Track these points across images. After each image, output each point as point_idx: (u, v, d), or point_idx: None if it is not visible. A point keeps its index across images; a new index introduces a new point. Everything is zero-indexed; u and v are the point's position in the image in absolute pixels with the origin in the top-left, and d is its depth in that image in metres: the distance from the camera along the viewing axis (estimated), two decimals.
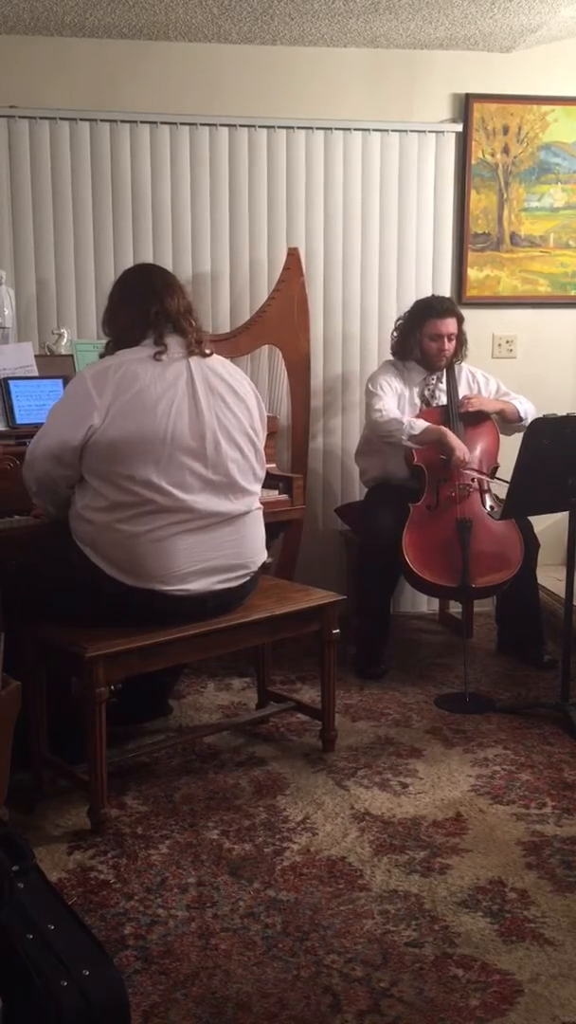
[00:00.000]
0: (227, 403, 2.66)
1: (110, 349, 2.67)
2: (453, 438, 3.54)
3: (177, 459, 2.55)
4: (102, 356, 2.68)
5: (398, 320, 3.88)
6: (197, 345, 2.65)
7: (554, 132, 4.30)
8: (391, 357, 3.90)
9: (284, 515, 3.36)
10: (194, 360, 2.63)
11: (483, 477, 3.58)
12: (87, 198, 3.97)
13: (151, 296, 2.63)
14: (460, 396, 3.74)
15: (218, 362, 2.72)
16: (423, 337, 3.74)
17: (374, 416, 3.66)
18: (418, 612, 4.44)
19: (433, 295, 3.94)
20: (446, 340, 3.72)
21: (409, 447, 3.59)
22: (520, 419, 3.76)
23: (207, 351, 2.68)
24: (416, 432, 3.57)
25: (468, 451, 3.56)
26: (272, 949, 2.06)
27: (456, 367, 3.82)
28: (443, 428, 3.58)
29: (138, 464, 2.51)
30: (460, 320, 3.78)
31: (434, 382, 3.82)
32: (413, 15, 3.73)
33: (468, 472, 3.55)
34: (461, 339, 3.79)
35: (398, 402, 3.74)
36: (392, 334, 3.90)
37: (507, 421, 3.77)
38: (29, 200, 3.93)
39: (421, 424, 3.59)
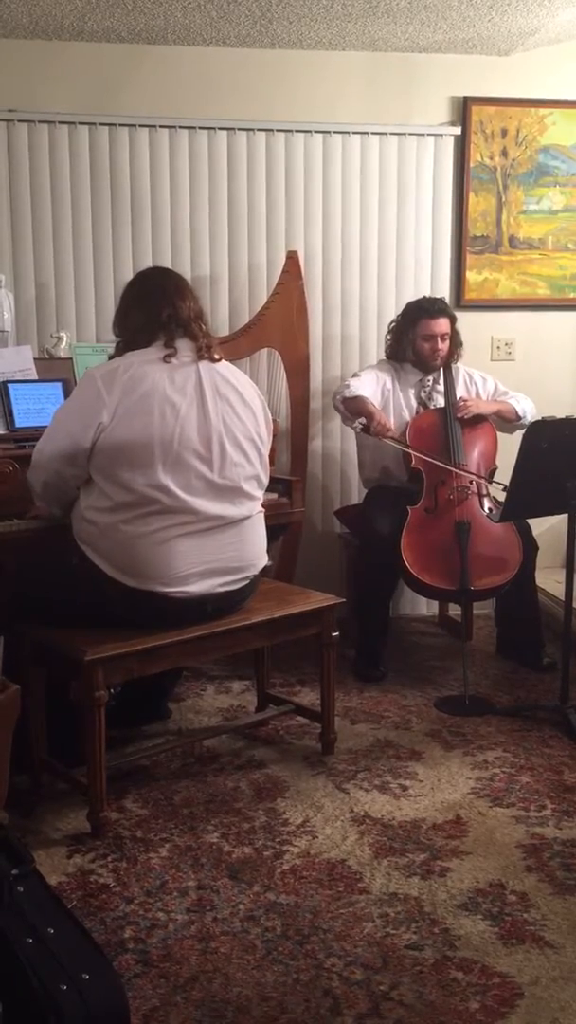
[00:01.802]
0: (234, 408, 2.67)
1: (120, 350, 2.68)
2: (372, 407, 3.60)
3: (184, 461, 2.56)
4: (111, 357, 2.69)
5: (391, 323, 3.90)
6: (207, 350, 2.65)
7: (552, 135, 4.30)
8: (382, 357, 3.92)
9: (283, 518, 3.35)
10: (203, 364, 2.64)
11: (454, 469, 3.55)
12: (86, 201, 3.98)
13: (163, 299, 2.64)
14: (458, 398, 3.74)
15: (226, 368, 2.72)
16: (416, 338, 3.76)
17: (337, 387, 3.81)
18: (417, 614, 4.44)
19: (425, 296, 3.95)
20: (439, 340, 3.73)
21: (341, 410, 3.70)
22: (519, 418, 3.77)
23: (216, 356, 2.69)
24: (349, 397, 3.66)
25: (388, 419, 3.60)
26: (272, 952, 2.05)
27: (453, 368, 3.82)
28: (368, 400, 3.65)
29: (146, 464, 2.51)
30: (453, 320, 3.79)
31: (430, 384, 3.83)
32: (411, 18, 3.73)
33: (450, 468, 3.54)
34: (455, 339, 3.81)
35: (384, 396, 3.77)
36: (386, 337, 3.91)
37: (506, 421, 3.78)
38: (28, 204, 3.94)
39: (357, 393, 3.67)
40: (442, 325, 3.74)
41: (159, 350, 2.60)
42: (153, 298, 2.66)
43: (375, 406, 3.63)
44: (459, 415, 3.67)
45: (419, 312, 3.77)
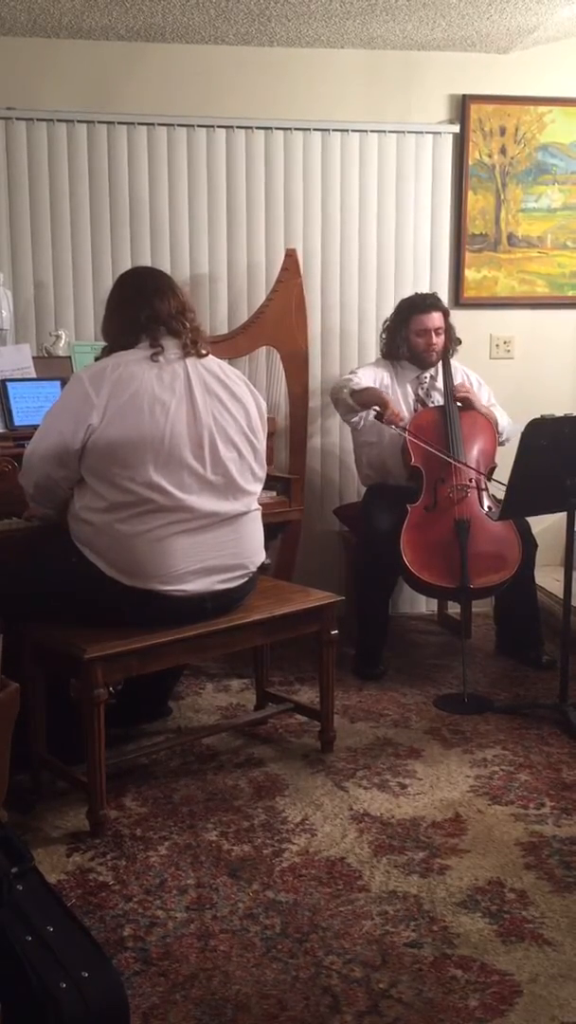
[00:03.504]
0: (224, 404, 2.67)
1: (106, 353, 2.68)
2: (388, 396, 3.60)
3: (176, 459, 2.56)
4: (98, 360, 2.69)
5: (385, 321, 3.90)
6: (192, 345, 2.65)
7: (551, 133, 4.30)
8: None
9: (282, 516, 3.36)
10: (190, 361, 2.64)
11: (456, 463, 3.55)
12: (85, 200, 3.97)
13: (141, 301, 2.64)
14: (456, 383, 3.75)
15: (214, 363, 2.72)
16: (410, 334, 3.77)
17: (337, 381, 3.79)
18: (417, 613, 4.44)
19: (416, 292, 3.95)
20: (433, 335, 3.74)
21: (350, 403, 3.65)
22: (498, 432, 3.80)
23: (203, 351, 2.69)
24: (358, 389, 3.64)
25: (404, 411, 3.61)
26: (271, 950, 2.06)
27: (452, 364, 3.82)
28: (381, 391, 3.65)
29: (138, 464, 2.52)
30: (446, 314, 3.81)
31: (428, 381, 3.84)
32: (410, 16, 3.73)
33: (451, 461, 3.53)
34: (450, 333, 3.81)
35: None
36: (380, 336, 3.91)
37: None
38: (27, 202, 3.93)
39: (366, 384, 3.67)
40: (435, 319, 3.75)
41: (145, 349, 2.60)
42: (131, 301, 2.66)
43: (387, 394, 3.63)
44: (457, 394, 3.69)
45: (411, 308, 3.78)
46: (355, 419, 3.70)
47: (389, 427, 3.56)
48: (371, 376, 3.78)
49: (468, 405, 3.71)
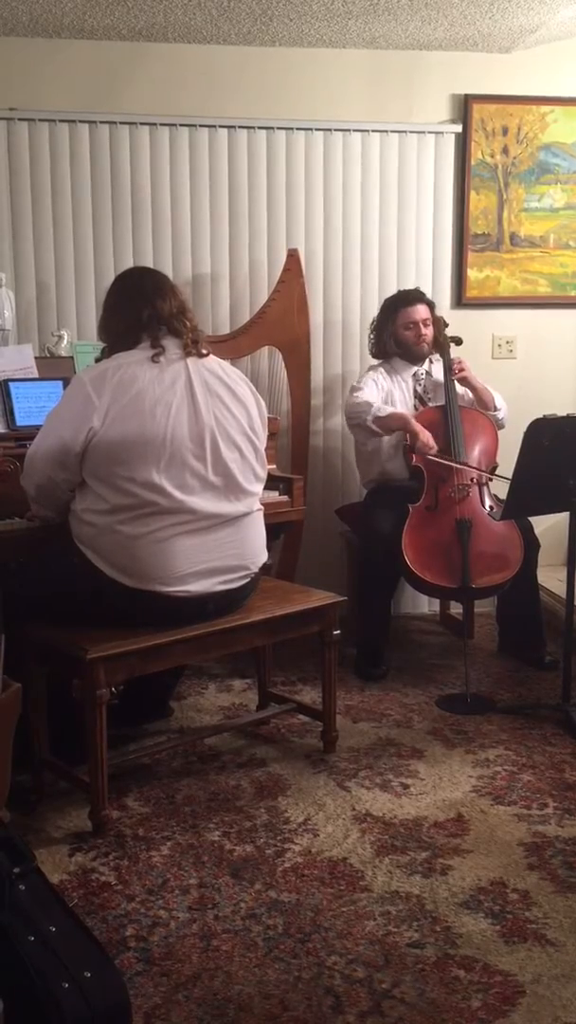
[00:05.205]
0: (225, 404, 2.66)
1: (106, 355, 2.67)
2: (417, 425, 3.57)
3: (178, 460, 2.56)
4: (98, 361, 2.69)
5: (372, 321, 3.91)
6: (193, 345, 2.65)
7: (553, 132, 4.30)
8: (374, 362, 3.93)
9: (284, 516, 3.36)
10: (191, 361, 2.63)
11: (466, 468, 3.55)
12: (87, 200, 3.97)
13: (142, 300, 2.64)
14: (453, 359, 3.77)
15: (215, 363, 2.72)
16: (398, 329, 3.79)
17: (348, 399, 3.74)
18: (419, 613, 4.44)
19: (400, 289, 3.97)
20: (421, 326, 3.77)
21: (374, 430, 3.63)
22: (496, 408, 3.83)
23: (204, 351, 2.68)
24: (382, 415, 3.61)
25: (432, 437, 3.57)
26: (273, 950, 2.05)
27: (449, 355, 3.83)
28: (407, 416, 3.62)
29: (139, 466, 2.51)
30: (431, 306, 3.84)
31: (424, 376, 3.85)
32: (412, 16, 3.73)
33: (442, 461, 3.54)
34: (438, 325, 3.83)
35: (387, 399, 3.78)
36: (369, 336, 3.92)
37: (484, 407, 3.82)
38: (29, 202, 3.93)
39: (388, 409, 3.64)
40: (421, 311, 3.77)
41: (146, 350, 2.60)
42: (132, 300, 2.66)
43: (417, 424, 3.58)
44: (456, 372, 3.71)
45: (396, 303, 3.81)
46: (374, 441, 3.69)
47: (422, 455, 3.55)
48: (375, 391, 3.76)
49: (465, 382, 3.75)
